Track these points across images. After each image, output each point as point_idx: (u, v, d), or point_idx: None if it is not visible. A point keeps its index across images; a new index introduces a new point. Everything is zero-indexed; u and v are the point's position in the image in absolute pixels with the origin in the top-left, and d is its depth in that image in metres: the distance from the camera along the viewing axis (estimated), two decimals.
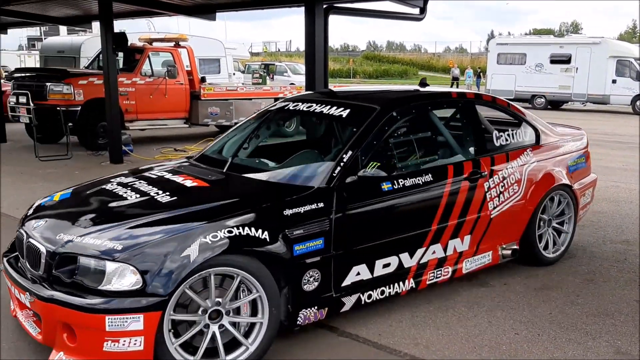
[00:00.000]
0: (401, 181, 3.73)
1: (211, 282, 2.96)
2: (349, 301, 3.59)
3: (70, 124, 10.06)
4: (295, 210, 3.30)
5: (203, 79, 12.84)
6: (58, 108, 10.08)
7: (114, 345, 2.76)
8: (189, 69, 12.51)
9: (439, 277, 4.05)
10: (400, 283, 3.83)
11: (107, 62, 9.23)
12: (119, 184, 3.81)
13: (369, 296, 3.68)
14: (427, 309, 3.94)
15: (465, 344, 3.48)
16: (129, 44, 11.34)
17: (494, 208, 4.24)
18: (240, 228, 3.06)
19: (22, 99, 10.34)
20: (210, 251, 2.92)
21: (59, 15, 12.80)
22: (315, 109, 4.24)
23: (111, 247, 2.88)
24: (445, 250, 4.02)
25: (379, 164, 3.63)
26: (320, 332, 3.60)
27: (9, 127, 12.09)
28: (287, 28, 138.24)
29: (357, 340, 3.51)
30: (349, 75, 45.76)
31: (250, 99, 13.08)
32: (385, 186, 3.67)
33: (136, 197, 3.50)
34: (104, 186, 3.82)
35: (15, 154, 10.63)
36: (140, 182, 3.78)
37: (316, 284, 3.38)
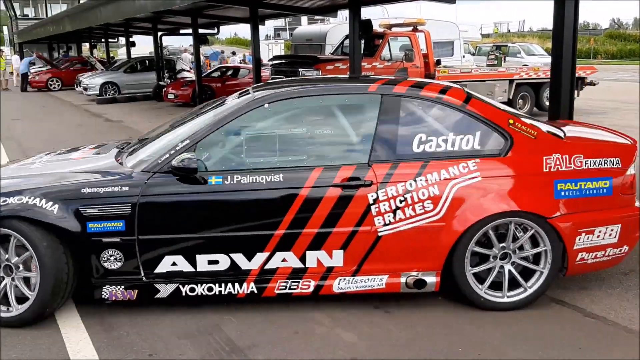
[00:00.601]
0: (237, 177, 3.47)
1: None
2: (164, 289, 3.53)
3: None
4: (94, 189, 3.41)
5: (438, 62, 13.10)
6: None
7: None
8: (425, 52, 12.86)
9: (295, 288, 3.58)
10: (236, 284, 3.55)
11: (353, 48, 9.97)
12: (59, 153, 4.59)
13: (192, 289, 3.53)
14: None
15: None
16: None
17: (386, 225, 3.49)
18: (31, 198, 3.37)
19: None
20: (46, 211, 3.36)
21: (308, 6, 14.06)
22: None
23: None
24: (303, 261, 3.54)
25: (191, 155, 3.40)
26: (567, 311, 3.66)
27: None
28: (518, 8, 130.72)
29: (605, 323, 3.49)
30: (589, 55, 41.93)
31: (484, 81, 12.95)
32: (214, 180, 3.47)
33: (30, 163, 4.24)
34: (50, 153, 4.61)
35: None
36: (61, 154, 4.51)
37: (119, 264, 3.45)
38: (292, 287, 3.58)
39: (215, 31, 19.78)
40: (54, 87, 25.09)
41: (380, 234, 3.51)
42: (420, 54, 12.67)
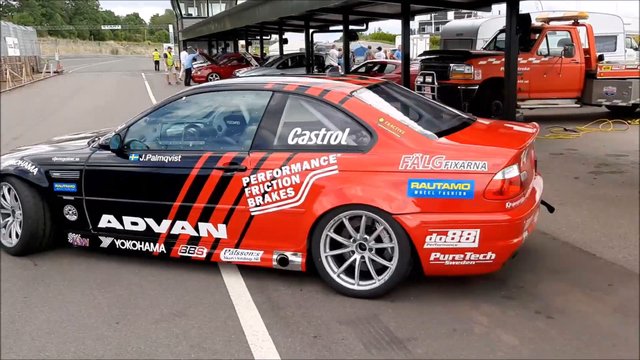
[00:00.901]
0: (149, 156, 4.27)
1: (4, 190, 4.73)
2: (105, 240, 4.52)
3: (467, 101, 10.90)
4: (58, 159, 4.61)
5: (601, 57, 12.22)
6: (459, 87, 11.02)
7: None
8: (586, 47, 12.05)
9: (192, 253, 4.26)
10: (151, 244, 4.37)
11: (510, 43, 9.61)
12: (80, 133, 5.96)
13: (122, 244, 4.46)
14: None
15: None
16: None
17: (256, 206, 3.96)
18: (23, 162, 4.67)
19: (428, 79, 11.62)
20: (3, 168, 4.68)
21: (463, 1, 13.75)
22: None
23: None
24: (197, 230, 4.19)
25: (112, 135, 4.37)
26: None
27: None
28: None
29: None
30: None
31: None
32: (133, 156, 4.32)
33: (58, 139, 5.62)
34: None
35: None
36: (77, 134, 5.80)
37: (75, 217, 4.55)
38: (190, 251, 4.27)
39: (364, 27, 20.01)
40: None
41: (252, 214, 3.98)
42: (581, 49, 11.87)
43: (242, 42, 38.92)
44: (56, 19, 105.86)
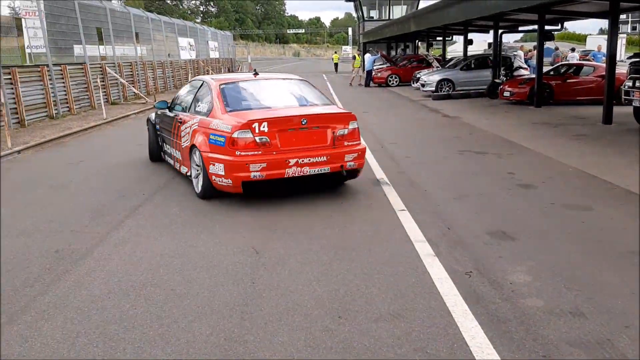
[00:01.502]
0: (173, 112, 8.05)
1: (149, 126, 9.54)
2: (165, 158, 8.70)
3: None
4: (159, 112, 8.75)
5: None
6: None
7: None
8: None
9: (178, 168, 7.92)
10: (171, 161, 8.25)
11: None
12: None
13: (168, 160, 8.53)
14: None
15: None
16: None
17: (184, 143, 7.34)
18: (153, 113, 9.30)
19: (638, 83, 10.55)
20: (151, 117, 9.39)
21: None
22: None
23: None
24: (176, 153, 7.85)
25: (162, 100, 8.78)
26: None
27: (616, 110, 12.58)
28: None
29: None
30: None
31: None
32: (170, 112, 8.15)
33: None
34: None
35: (619, 135, 11.01)
36: None
37: (162, 142, 8.75)
38: (177, 166, 7.94)
39: (559, 27, 18.77)
40: (392, 83, 27.23)
41: (183, 146, 7.37)
42: None
43: (420, 43, 38.72)
44: (247, 23, 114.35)
